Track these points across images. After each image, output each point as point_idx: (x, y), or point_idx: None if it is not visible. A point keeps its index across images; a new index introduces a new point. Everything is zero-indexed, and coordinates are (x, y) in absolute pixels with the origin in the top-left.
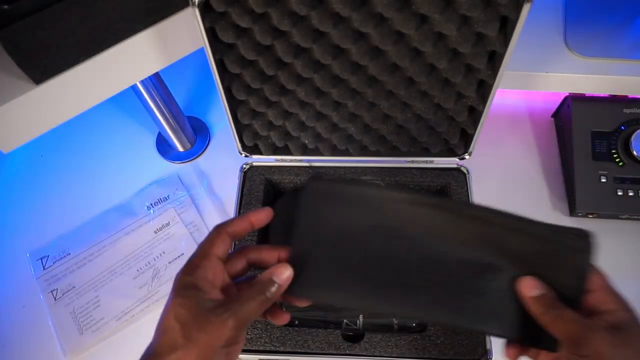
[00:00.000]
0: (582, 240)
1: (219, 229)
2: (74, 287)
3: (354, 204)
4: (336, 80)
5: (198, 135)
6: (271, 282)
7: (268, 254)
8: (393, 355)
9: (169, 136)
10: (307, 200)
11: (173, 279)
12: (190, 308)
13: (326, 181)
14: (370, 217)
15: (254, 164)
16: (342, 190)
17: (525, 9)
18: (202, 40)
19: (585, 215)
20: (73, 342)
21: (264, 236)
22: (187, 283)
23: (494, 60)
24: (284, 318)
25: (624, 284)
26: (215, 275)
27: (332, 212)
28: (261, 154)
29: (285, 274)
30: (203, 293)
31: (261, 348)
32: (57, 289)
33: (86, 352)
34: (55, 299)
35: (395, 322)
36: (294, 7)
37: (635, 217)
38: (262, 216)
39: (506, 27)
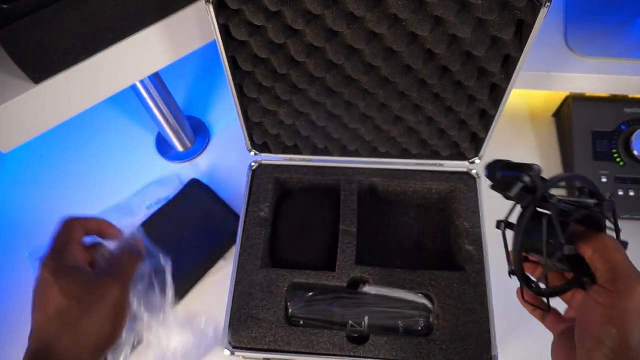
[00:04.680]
0: None
1: (71, 220)
2: None
3: None
4: (348, 81)
5: (198, 135)
6: (133, 248)
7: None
8: (398, 358)
9: (169, 136)
10: None
11: None
12: (76, 284)
13: None
14: None
15: (263, 162)
16: None
17: (543, 13)
18: (211, 36)
19: None
20: None
21: (273, 234)
22: (62, 267)
23: (508, 64)
24: None
25: None
26: (82, 256)
27: None
28: (270, 152)
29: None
30: (81, 270)
31: (266, 347)
32: None
33: None
34: None
35: (401, 325)
36: (308, 6)
37: (636, 217)
38: (111, 231)
39: (522, 31)
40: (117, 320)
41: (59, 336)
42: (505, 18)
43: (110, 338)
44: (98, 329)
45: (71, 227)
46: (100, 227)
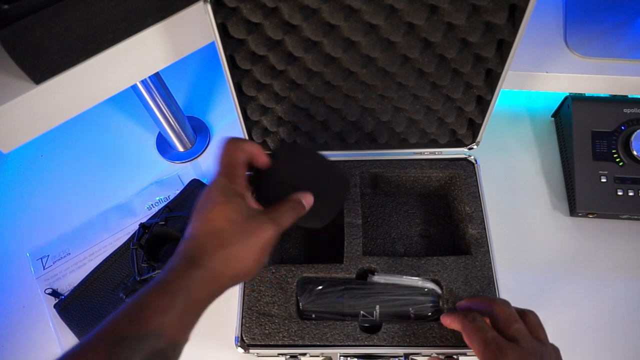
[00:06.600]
0: None
1: (234, 142)
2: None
3: None
4: (346, 74)
5: (198, 135)
6: (301, 203)
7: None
8: (411, 344)
9: (169, 136)
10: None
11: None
12: (240, 212)
13: None
14: None
15: None
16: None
17: None
18: (212, 37)
19: (586, 215)
20: (73, 342)
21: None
22: (232, 190)
23: (502, 49)
24: None
25: (624, 284)
26: (247, 184)
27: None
28: (270, 150)
29: (311, 200)
30: (246, 201)
31: (280, 343)
32: (57, 289)
33: None
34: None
35: (412, 311)
36: (305, 1)
37: (636, 217)
38: (262, 159)
39: (514, 14)
40: (259, 259)
41: (210, 254)
42: (498, 3)
43: (248, 273)
44: (242, 261)
45: (236, 149)
46: (253, 153)
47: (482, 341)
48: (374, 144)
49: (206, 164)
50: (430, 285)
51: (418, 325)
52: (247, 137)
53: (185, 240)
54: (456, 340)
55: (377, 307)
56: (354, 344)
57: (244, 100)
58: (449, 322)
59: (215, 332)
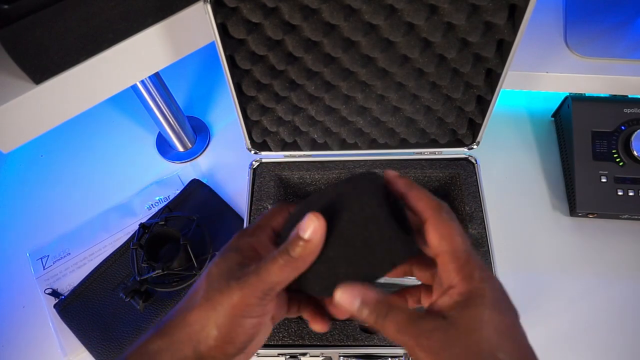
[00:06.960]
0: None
1: (283, 204)
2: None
3: None
4: (346, 74)
5: (198, 135)
6: (296, 238)
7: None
8: None
9: (169, 136)
10: None
11: None
12: (221, 269)
13: None
14: None
15: (264, 160)
16: None
17: None
18: (212, 37)
19: (586, 215)
20: (73, 342)
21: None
22: (233, 246)
23: (502, 49)
24: (323, 323)
25: (623, 284)
26: (263, 245)
27: None
28: (270, 150)
29: (311, 226)
30: (241, 257)
31: (279, 343)
32: (57, 289)
33: (86, 352)
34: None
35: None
36: (305, 1)
37: (636, 217)
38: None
39: (514, 14)
40: (226, 326)
41: (173, 318)
42: (498, 2)
43: (214, 346)
44: (203, 329)
45: (274, 211)
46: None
47: (466, 248)
48: (374, 144)
49: (206, 164)
50: None
51: None
52: (247, 137)
53: None
54: None
55: None
56: (353, 344)
57: (244, 100)
58: (416, 195)
59: None
